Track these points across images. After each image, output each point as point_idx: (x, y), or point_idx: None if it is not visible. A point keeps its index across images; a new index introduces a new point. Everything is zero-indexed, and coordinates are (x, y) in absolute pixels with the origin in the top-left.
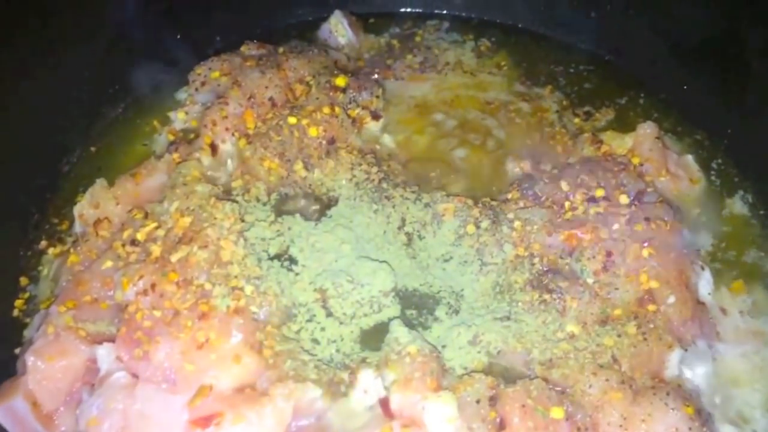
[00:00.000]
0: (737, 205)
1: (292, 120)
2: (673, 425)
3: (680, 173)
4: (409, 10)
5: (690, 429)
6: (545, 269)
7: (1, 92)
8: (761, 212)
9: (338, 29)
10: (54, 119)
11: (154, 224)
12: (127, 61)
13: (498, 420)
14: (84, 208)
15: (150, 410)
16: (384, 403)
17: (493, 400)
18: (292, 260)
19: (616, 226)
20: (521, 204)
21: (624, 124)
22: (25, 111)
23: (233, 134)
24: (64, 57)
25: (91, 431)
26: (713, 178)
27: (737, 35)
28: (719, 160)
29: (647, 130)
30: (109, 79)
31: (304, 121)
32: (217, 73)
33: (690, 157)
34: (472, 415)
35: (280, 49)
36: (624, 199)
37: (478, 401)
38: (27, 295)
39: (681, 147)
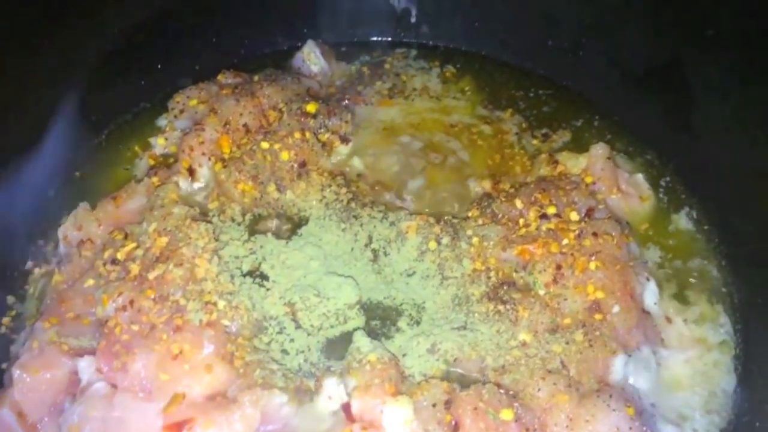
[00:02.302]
0: (683, 221)
1: (265, 145)
2: (614, 425)
3: (631, 191)
4: (378, 38)
5: (630, 428)
6: (500, 282)
7: None
8: (705, 227)
9: (311, 58)
10: (38, 146)
11: (133, 244)
12: (109, 90)
13: (453, 423)
14: (68, 230)
15: (127, 417)
16: (346, 408)
17: (448, 404)
18: (264, 276)
19: (565, 241)
20: (480, 221)
21: (579, 145)
22: (10, 139)
23: (210, 158)
24: (47, 87)
25: None
26: (662, 195)
27: (681, 63)
28: (668, 178)
29: (599, 150)
30: (92, 107)
31: (277, 146)
32: (195, 101)
33: (640, 176)
34: (428, 418)
35: (255, 78)
36: (574, 216)
37: (434, 405)
38: (14, 312)
39: (632, 166)
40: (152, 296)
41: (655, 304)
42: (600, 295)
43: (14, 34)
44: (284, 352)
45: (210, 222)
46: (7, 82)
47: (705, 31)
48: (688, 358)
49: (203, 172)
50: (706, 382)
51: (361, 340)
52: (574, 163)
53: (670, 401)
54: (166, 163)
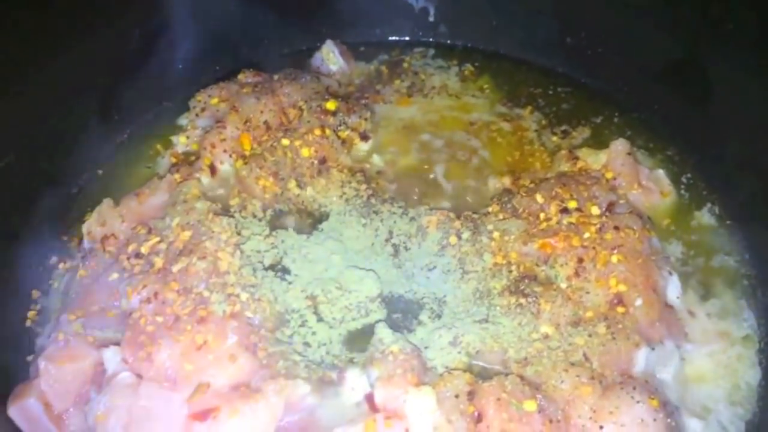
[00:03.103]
0: (705, 217)
1: (285, 142)
2: (639, 416)
3: (652, 187)
4: (397, 38)
5: (655, 420)
6: (522, 276)
7: (15, 120)
8: (728, 222)
9: (330, 57)
10: (63, 145)
11: (157, 238)
12: (132, 90)
13: (476, 414)
14: (92, 226)
15: (152, 406)
16: (369, 398)
17: (470, 395)
18: (286, 270)
19: (587, 235)
20: (501, 216)
21: (599, 142)
22: (35, 138)
23: (231, 156)
24: (70, 87)
25: (98, 426)
26: (683, 191)
27: (701, 59)
28: (689, 175)
29: (620, 146)
30: (115, 107)
31: (297, 143)
32: (216, 100)
33: (661, 172)
34: (451, 409)
35: (275, 77)
36: (595, 210)
37: (456, 396)
38: (39, 307)
39: (652, 162)
40: (176, 288)
41: (677, 298)
42: (622, 288)
43: (39, 36)
44: (306, 344)
45: (232, 216)
46: (32, 84)
47: (724, 25)
48: (712, 352)
49: (224, 169)
50: (730, 376)
51: (384, 332)
52: (594, 159)
53: (694, 394)
54: (188, 161)
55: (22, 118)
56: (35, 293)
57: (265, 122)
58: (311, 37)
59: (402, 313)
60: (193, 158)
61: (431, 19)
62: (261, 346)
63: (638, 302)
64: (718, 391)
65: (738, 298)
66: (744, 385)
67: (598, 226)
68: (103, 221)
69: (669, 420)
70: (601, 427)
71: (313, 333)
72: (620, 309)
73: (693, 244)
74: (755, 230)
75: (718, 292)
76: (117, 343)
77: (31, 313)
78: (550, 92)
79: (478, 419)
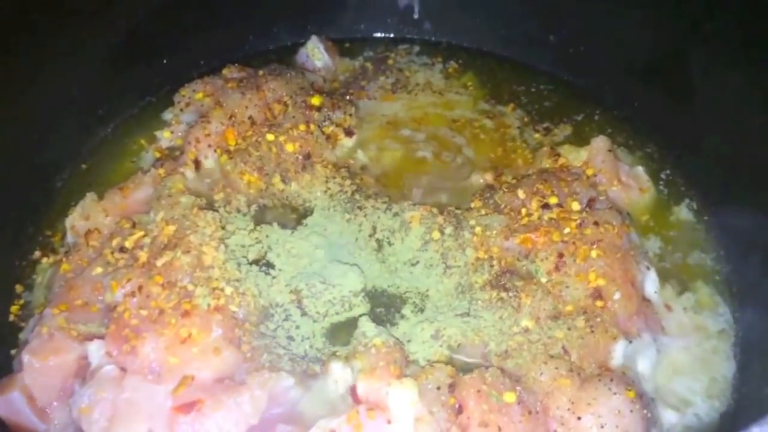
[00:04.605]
0: (683, 212)
1: (270, 137)
2: (615, 408)
3: (631, 183)
4: (381, 35)
5: (631, 411)
6: (503, 270)
7: None
8: (705, 218)
9: (315, 53)
10: (47, 139)
11: (141, 233)
12: (116, 84)
13: (457, 405)
14: (75, 220)
15: (137, 398)
16: (353, 390)
17: (452, 387)
18: (270, 265)
19: (567, 230)
20: (483, 212)
21: (580, 139)
22: (19, 132)
23: (215, 150)
24: (55, 81)
25: (82, 419)
26: (662, 187)
27: (682, 57)
28: (668, 171)
29: (600, 143)
30: (99, 100)
31: (282, 138)
32: (200, 95)
33: (640, 169)
34: (432, 400)
35: (260, 72)
36: (575, 206)
37: (438, 388)
38: (22, 301)
39: (632, 159)
40: (161, 282)
41: (655, 292)
42: (601, 282)
43: (21, 29)
44: (290, 338)
45: (216, 211)
46: (14, 77)
47: (705, 24)
48: (688, 346)
49: (209, 164)
50: (707, 369)
51: (367, 326)
52: (575, 156)
53: (671, 387)
54: (172, 156)
55: (4, 111)
56: (18, 288)
57: (250, 117)
58: (296, 32)
59: (385, 307)
60: (177, 153)
61: (416, 16)
62: (245, 339)
63: (617, 296)
64: (695, 384)
65: (714, 294)
66: (720, 377)
67: (578, 221)
68: (87, 215)
69: (645, 411)
70: (579, 418)
71: (297, 327)
72: (599, 303)
73: (671, 239)
74: (732, 226)
75: (694, 286)
76: (101, 337)
77: (13, 308)
78: (533, 90)
79: (459, 411)
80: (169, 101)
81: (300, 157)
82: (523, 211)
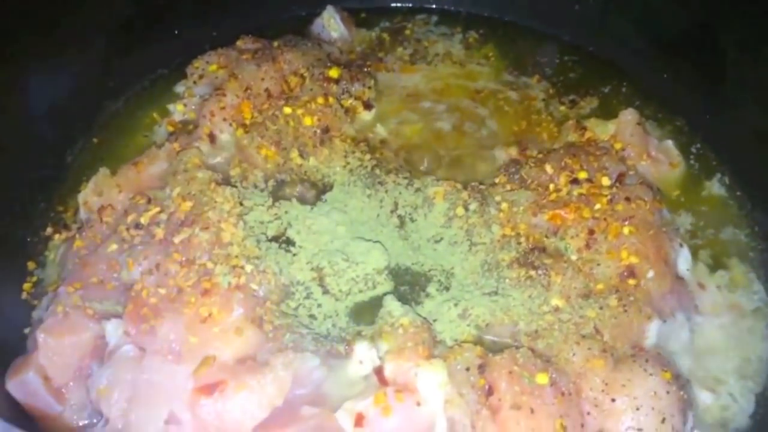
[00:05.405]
0: (715, 187)
1: (287, 110)
2: (651, 389)
3: (661, 157)
4: (399, 4)
5: (668, 392)
6: (531, 247)
7: (7, 88)
8: (738, 193)
9: (331, 24)
10: (57, 113)
11: (157, 209)
12: (127, 56)
13: (487, 387)
14: (88, 196)
15: (157, 380)
16: (379, 371)
17: (481, 368)
18: (290, 242)
19: (597, 206)
20: (508, 187)
21: (607, 112)
22: (30, 105)
23: (231, 124)
24: (65, 53)
25: (101, 400)
26: (692, 161)
27: (713, 27)
28: (698, 145)
29: (628, 116)
30: (110, 73)
31: (299, 111)
32: (214, 66)
33: (670, 142)
34: (462, 382)
35: (275, 43)
36: (606, 181)
37: (467, 369)
38: (35, 278)
39: (661, 133)
40: (179, 260)
41: (688, 270)
42: (634, 260)
43: (32, 3)
44: (312, 317)
45: (234, 186)
46: (26, 50)
47: None
48: (722, 325)
49: (224, 138)
50: (741, 348)
51: (392, 304)
52: (602, 130)
53: (704, 367)
54: (186, 130)
55: (14, 84)
56: (30, 264)
57: (266, 90)
58: (311, 2)
59: (409, 285)
60: (191, 127)
61: None
62: (267, 318)
63: (650, 274)
64: (728, 364)
65: (748, 271)
66: (754, 357)
67: (608, 197)
68: (100, 191)
69: (682, 392)
70: (614, 400)
71: (319, 305)
72: (631, 281)
73: (703, 215)
74: (765, 201)
75: (728, 264)
76: (117, 316)
77: (26, 285)
78: (557, 61)
79: (489, 392)
80: (181, 73)
81: (318, 131)
82: (551, 186)
